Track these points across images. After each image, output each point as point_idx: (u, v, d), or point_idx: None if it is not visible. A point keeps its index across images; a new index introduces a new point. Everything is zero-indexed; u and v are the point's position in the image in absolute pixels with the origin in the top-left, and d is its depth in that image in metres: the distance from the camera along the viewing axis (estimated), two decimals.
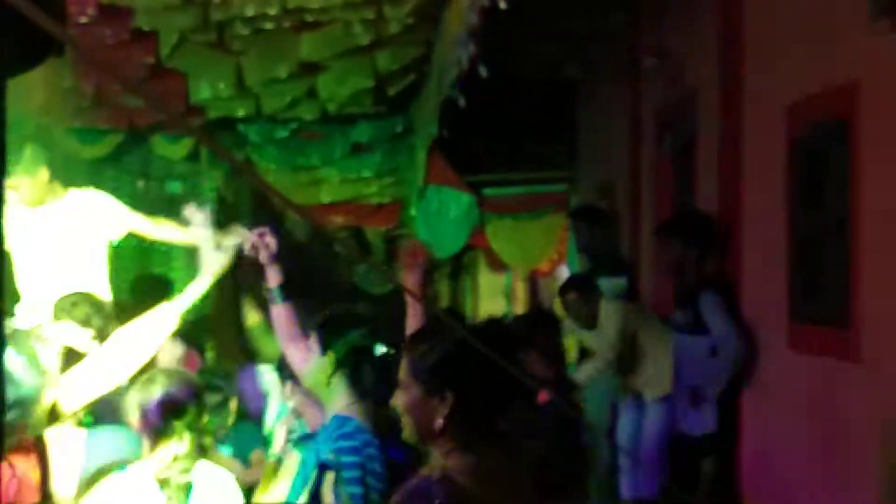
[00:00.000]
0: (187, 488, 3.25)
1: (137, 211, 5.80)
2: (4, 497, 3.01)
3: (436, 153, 7.82)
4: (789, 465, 4.60)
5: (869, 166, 3.86)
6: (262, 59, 6.31)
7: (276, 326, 3.56)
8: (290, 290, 3.47)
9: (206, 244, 3.59)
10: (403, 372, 2.28)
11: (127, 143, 7.81)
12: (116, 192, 6.03)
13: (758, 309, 4.90)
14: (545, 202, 9.02)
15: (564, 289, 6.36)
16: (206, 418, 3.35)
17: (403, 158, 8.45)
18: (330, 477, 2.97)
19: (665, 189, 6.52)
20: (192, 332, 5.29)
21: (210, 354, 6.33)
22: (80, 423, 3.70)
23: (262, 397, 5.97)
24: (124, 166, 8.09)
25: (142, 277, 7.30)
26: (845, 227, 4.01)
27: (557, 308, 6.88)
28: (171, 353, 4.71)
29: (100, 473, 3.30)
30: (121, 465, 3.31)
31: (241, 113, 7.26)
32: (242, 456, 5.20)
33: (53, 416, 3.26)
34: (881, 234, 3.77)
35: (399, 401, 2.28)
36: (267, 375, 6.13)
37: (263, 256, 3.45)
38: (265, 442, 5.25)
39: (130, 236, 5.74)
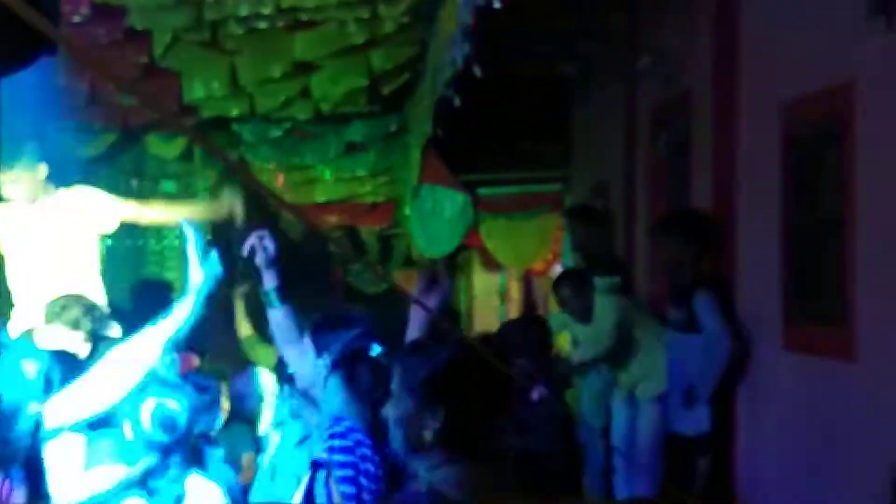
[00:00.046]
0: (177, 500, 3.25)
1: None
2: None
3: (430, 152, 7.81)
4: (784, 465, 4.60)
5: (864, 166, 3.86)
6: (255, 58, 6.30)
7: (274, 329, 3.54)
8: (287, 293, 3.46)
9: (195, 260, 3.58)
10: (396, 384, 2.28)
11: (121, 142, 7.79)
12: (110, 191, 6.00)
13: (752, 308, 4.90)
14: (540, 202, 9.02)
15: (558, 282, 6.37)
16: None
17: (398, 158, 8.44)
18: (322, 476, 2.96)
19: (660, 189, 6.51)
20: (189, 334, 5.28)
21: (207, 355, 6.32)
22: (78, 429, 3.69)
23: (257, 399, 5.96)
24: (118, 165, 8.07)
25: (140, 282, 7.27)
26: (840, 226, 4.01)
27: (552, 304, 6.89)
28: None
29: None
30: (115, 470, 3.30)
31: (234, 112, 7.24)
32: (235, 458, 5.18)
33: (37, 432, 3.23)
34: (875, 234, 3.78)
35: (390, 412, 2.27)
36: (264, 377, 6.13)
37: (261, 259, 3.43)
38: (259, 444, 5.24)
39: (124, 238, 5.73)
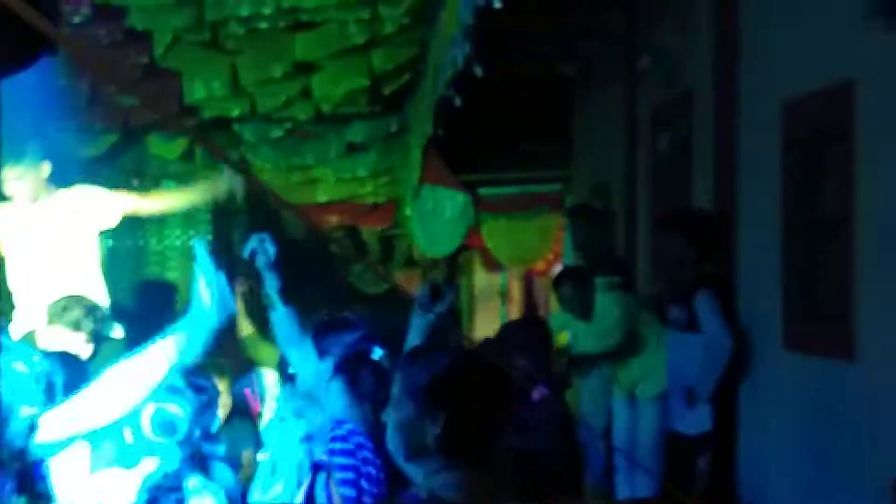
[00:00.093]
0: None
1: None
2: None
3: (431, 152, 7.81)
4: (785, 464, 4.60)
5: (864, 166, 3.87)
6: (256, 58, 6.30)
7: (276, 331, 3.54)
8: (289, 295, 3.45)
9: (202, 279, 3.56)
10: (396, 388, 2.28)
11: (122, 142, 7.79)
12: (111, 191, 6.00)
13: (753, 308, 4.90)
14: (540, 202, 9.02)
15: (559, 280, 6.38)
16: None
17: (399, 158, 8.43)
18: (323, 478, 2.96)
19: (660, 189, 6.51)
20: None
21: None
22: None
23: (259, 396, 5.96)
24: (119, 166, 8.06)
25: (144, 283, 7.28)
26: (840, 226, 4.02)
27: (553, 304, 6.88)
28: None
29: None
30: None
31: (235, 112, 7.24)
32: (236, 454, 5.19)
33: (31, 434, 3.23)
34: (875, 234, 3.78)
35: (391, 417, 2.28)
36: (267, 376, 6.13)
37: (262, 262, 3.43)
38: (260, 441, 5.24)
39: (126, 238, 5.74)
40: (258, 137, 7.81)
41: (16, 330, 5.04)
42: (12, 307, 5.29)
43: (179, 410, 3.46)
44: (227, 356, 6.27)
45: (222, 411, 5.30)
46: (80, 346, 4.61)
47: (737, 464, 5.05)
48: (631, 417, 6.15)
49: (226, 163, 6.84)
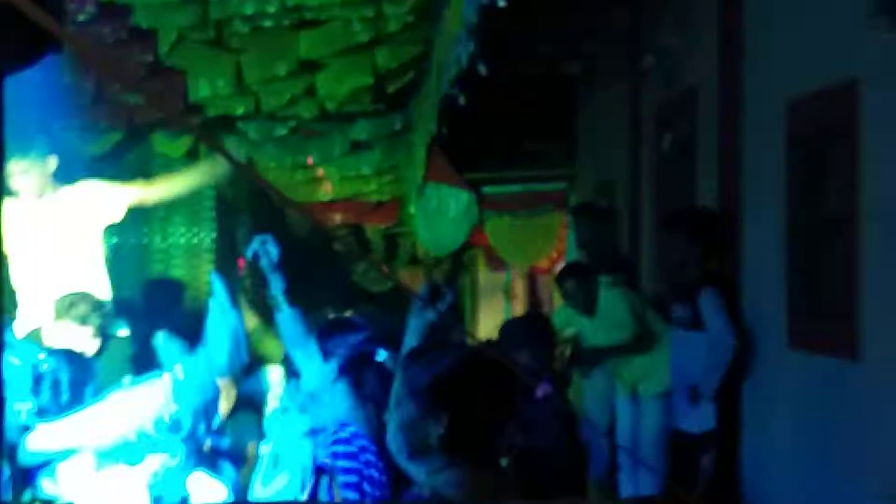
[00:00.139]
0: (182, 500, 3.27)
1: (136, 208, 5.80)
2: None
3: (435, 151, 7.81)
4: (788, 463, 4.60)
5: (868, 164, 3.86)
6: (261, 56, 6.30)
7: (282, 333, 3.53)
8: (294, 294, 3.44)
9: (216, 308, 3.56)
10: (399, 388, 2.28)
11: (127, 140, 7.80)
12: None
13: (757, 306, 4.90)
14: (544, 200, 9.01)
15: (562, 275, 6.38)
16: None
17: (402, 156, 8.44)
18: (326, 482, 2.96)
19: (664, 187, 6.51)
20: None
21: None
22: None
23: (263, 389, 5.96)
24: (124, 164, 8.07)
25: (151, 280, 7.28)
26: (844, 224, 4.01)
27: (557, 301, 6.88)
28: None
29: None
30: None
31: (240, 111, 7.24)
32: (241, 446, 5.19)
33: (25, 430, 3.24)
34: (880, 232, 3.78)
35: (392, 416, 2.28)
36: (272, 370, 6.13)
37: (265, 264, 3.42)
38: (265, 434, 5.24)
39: (129, 236, 5.74)
40: (262, 135, 7.81)
41: (20, 326, 5.06)
42: (16, 303, 5.30)
43: (181, 407, 3.47)
44: None
45: (227, 404, 5.31)
46: (87, 342, 4.63)
47: (740, 462, 5.05)
48: (634, 415, 6.16)
49: (230, 161, 6.84)
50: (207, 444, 4.28)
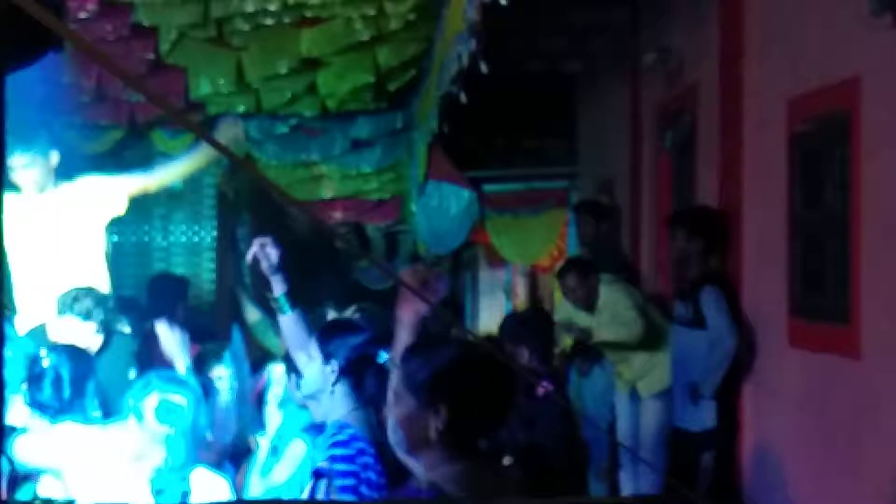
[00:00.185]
0: (183, 494, 3.27)
1: (137, 206, 5.80)
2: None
3: (436, 149, 7.80)
4: (789, 461, 4.60)
5: (869, 162, 3.86)
6: (262, 54, 6.30)
7: (284, 335, 3.51)
8: (295, 295, 3.43)
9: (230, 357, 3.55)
10: (397, 384, 2.28)
11: (127, 138, 7.80)
12: None
13: (757, 305, 4.90)
14: (545, 198, 9.00)
15: (563, 271, 6.38)
16: None
17: (403, 154, 8.43)
18: (323, 486, 2.96)
19: (666, 185, 6.51)
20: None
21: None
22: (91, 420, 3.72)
23: (266, 384, 5.96)
24: (125, 162, 8.07)
25: (158, 276, 7.27)
26: (845, 222, 4.01)
27: (558, 299, 6.88)
28: (171, 339, 4.64)
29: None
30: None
31: (241, 109, 7.25)
32: (242, 439, 5.19)
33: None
34: (881, 230, 3.78)
35: (392, 412, 2.28)
36: (274, 367, 6.13)
37: (265, 267, 3.40)
38: (264, 427, 5.24)
39: (130, 234, 5.74)
40: (263, 133, 7.81)
41: (21, 321, 5.06)
42: (17, 299, 5.30)
43: (183, 400, 3.47)
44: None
45: (227, 397, 5.31)
46: (90, 338, 4.63)
47: (740, 461, 5.05)
48: (634, 414, 6.16)
49: (231, 159, 6.84)
50: (209, 438, 4.29)
